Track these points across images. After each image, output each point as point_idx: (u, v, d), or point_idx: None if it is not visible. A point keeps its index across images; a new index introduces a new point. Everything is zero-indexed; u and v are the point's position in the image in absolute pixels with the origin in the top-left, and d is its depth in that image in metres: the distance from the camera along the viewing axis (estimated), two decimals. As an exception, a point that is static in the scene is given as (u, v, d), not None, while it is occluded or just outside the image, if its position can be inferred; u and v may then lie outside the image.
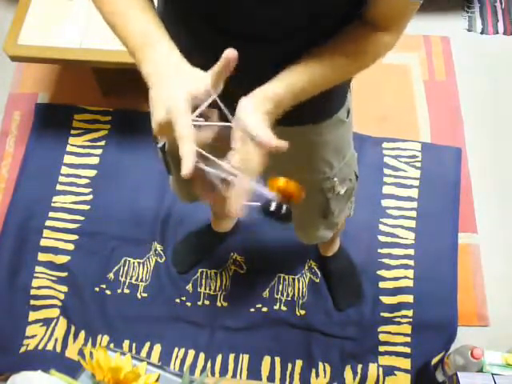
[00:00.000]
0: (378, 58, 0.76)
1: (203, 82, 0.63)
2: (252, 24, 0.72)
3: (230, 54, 0.60)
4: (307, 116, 0.90)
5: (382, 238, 1.78)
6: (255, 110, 0.65)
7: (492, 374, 1.31)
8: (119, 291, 1.71)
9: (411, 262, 1.74)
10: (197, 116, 0.61)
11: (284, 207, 0.57)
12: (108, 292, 1.70)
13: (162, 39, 0.69)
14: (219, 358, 1.61)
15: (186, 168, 0.55)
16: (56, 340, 1.63)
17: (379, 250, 1.76)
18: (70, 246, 1.78)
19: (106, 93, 2.04)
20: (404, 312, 1.66)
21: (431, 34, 2.17)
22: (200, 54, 0.73)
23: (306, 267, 1.73)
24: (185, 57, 0.70)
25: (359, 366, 1.60)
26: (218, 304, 1.68)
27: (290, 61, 0.73)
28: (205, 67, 0.68)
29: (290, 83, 0.70)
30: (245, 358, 1.61)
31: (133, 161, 1.91)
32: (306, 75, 0.72)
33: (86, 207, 1.84)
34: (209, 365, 1.60)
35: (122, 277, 1.73)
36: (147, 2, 0.73)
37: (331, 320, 1.65)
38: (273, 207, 0.56)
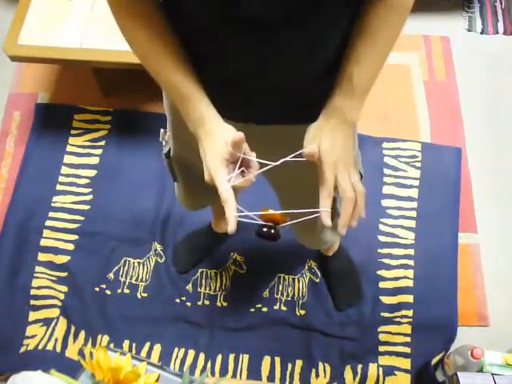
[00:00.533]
0: (408, 10, 0.79)
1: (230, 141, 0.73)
2: (252, 8, 0.72)
3: (240, 136, 0.72)
4: (311, 113, 0.91)
5: (381, 238, 1.78)
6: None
7: (492, 374, 1.31)
8: (119, 291, 1.71)
9: (411, 262, 1.74)
10: (240, 162, 0.75)
11: (272, 230, 0.76)
12: (108, 292, 1.70)
13: (204, 97, 0.79)
14: (219, 358, 1.61)
15: (231, 230, 0.74)
16: (56, 340, 1.63)
17: (379, 250, 1.76)
18: (70, 246, 1.78)
19: (106, 93, 2.04)
20: (404, 312, 1.66)
21: (431, 33, 2.17)
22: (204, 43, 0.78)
23: (306, 267, 1.73)
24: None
25: (359, 366, 1.59)
26: (218, 304, 1.68)
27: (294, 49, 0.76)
28: (210, 57, 0.76)
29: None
30: (245, 358, 1.61)
31: (133, 161, 1.91)
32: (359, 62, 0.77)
33: (86, 207, 1.84)
34: (209, 365, 1.60)
35: (122, 277, 1.73)
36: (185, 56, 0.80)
37: (331, 320, 1.65)
38: (263, 230, 0.76)
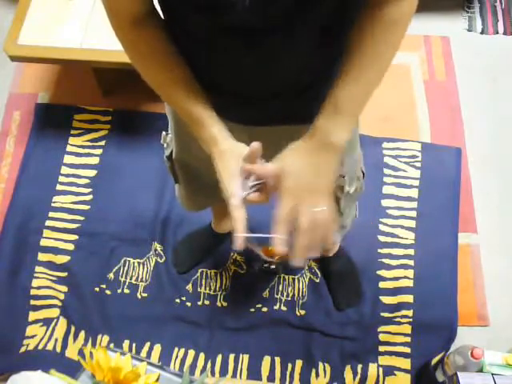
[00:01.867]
0: (405, 29, 0.76)
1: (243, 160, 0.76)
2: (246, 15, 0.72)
3: (255, 147, 0.73)
4: (311, 113, 0.91)
5: (381, 238, 1.78)
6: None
7: (492, 374, 1.30)
8: (119, 291, 1.71)
9: (411, 262, 1.74)
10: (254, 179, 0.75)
11: (274, 266, 0.79)
12: (108, 292, 1.70)
13: (216, 122, 0.80)
14: (219, 358, 1.61)
15: (237, 248, 0.73)
16: (56, 340, 1.63)
17: (379, 250, 1.76)
18: (70, 246, 1.78)
19: (106, 93, 2.04)
20: (404, 312, 1.66)
21: (431, 34, 2.17)
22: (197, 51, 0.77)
23: (306, 267, 1.73)
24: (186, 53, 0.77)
25: (359, 366, 1.59)
26: (218, 304, 1.68)
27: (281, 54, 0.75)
28: (200, 65, 0.76)
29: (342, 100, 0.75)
30: (245, 358, 1.61)
31: (133, 161, 1.91)
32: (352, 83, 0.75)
33: (86, 207, 1.84)
34: (209, 365, 1.60)
35: (122, 277, 1.73)
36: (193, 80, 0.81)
37: (331, 320, 1.65)
38: (266, 265, 0.82)
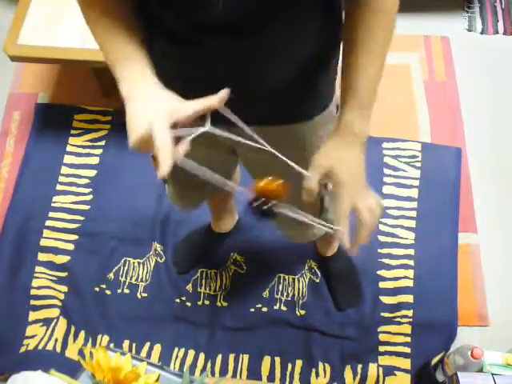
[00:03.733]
0: (393, 18, 0.77)
1: (187, 106, 0.65)
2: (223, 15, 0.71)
3: (224, 94, 0.64)
4: (299, 112, 0.91)
5: (381, 238, 1.78)
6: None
7: (492, 374, 1.30)
8: (119, 291, 1.71)
9: (411, 262, 1.74)
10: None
11: (267, 205, 0.64)
12: (108, 292, 1.70)
13: (143, 59, 0.72)
14: (219, 358, 1.61)
15: (162, 173, 0.61)
16: (56, 340, 1.63)
17: (379, 250, 1.76)
18: (70, 246, 1.78)
19: (106, 93, 2.04)
20: (404, 312, 1.66)
21: (431, 34, 2.17)
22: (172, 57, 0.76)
23: (306, 267, 1.73)
24: (156, 60, 0.73)
25: (359, 366, 1.59)
26: (218, 304, 1.68)
27: (261, 56, 0.75)
28: (175, 69, 0.73)
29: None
30: (245, 358, 1.61)
31: (133, 161, 1.91)
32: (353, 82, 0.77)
33: (86, 207, 1.84)
34: (209, 365, 1.60)
35: (122, 277, 1.73)
36: (135, 25, 0.75)
37: (331, 320, 1.65)
38: (254, 205, 0.63)
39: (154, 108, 0.65)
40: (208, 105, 0.64)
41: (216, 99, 0.64)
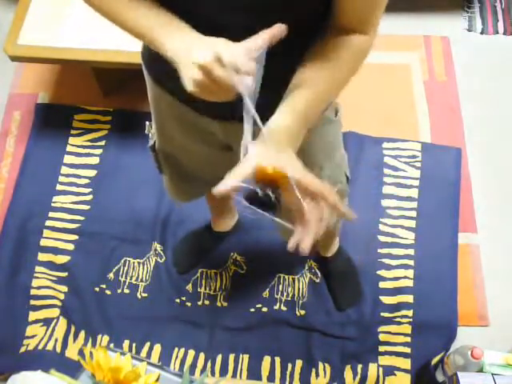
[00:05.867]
0: (363, 59, 0.77)
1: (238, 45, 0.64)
2: (224, 11, 0.71)
3: (281, 28, 0.63)
4: None
5: (381, 238, 1.78)
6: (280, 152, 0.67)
7: (492, 374, 1.30)
8: (119, 291, 1.71)
9: (411, 262, 1.74)
10: None
11: (270, 196, 0.58)
12: (108, 292, 1.70)
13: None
14: (219, 358, 1.61)
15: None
16: (56, 340, 1.63)
17: (379, 250, 1.76)
18: (70, 246, 1.78)
19: (106, 93, 2.04)
20: (404, 312, 1.66)
21: (431, 34, 2.17)
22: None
23: (306, 267, 1.73)
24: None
25: (359, 366, 1.59)
26: (218, 304, 1.68)
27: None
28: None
29: (291, 110, 0.72)
30: (245, 358, 1.61)
31: (133, 161, 1.91)
32: (303, 98, 0.73)
33: (86, 207, 1.84)
34: (209, 365, 1.60)
35: (121, 277, 1.73)
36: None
37: (331, 320, 1.65)
38: (254, 195, 0.58)
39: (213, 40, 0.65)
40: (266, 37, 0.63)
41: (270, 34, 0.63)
